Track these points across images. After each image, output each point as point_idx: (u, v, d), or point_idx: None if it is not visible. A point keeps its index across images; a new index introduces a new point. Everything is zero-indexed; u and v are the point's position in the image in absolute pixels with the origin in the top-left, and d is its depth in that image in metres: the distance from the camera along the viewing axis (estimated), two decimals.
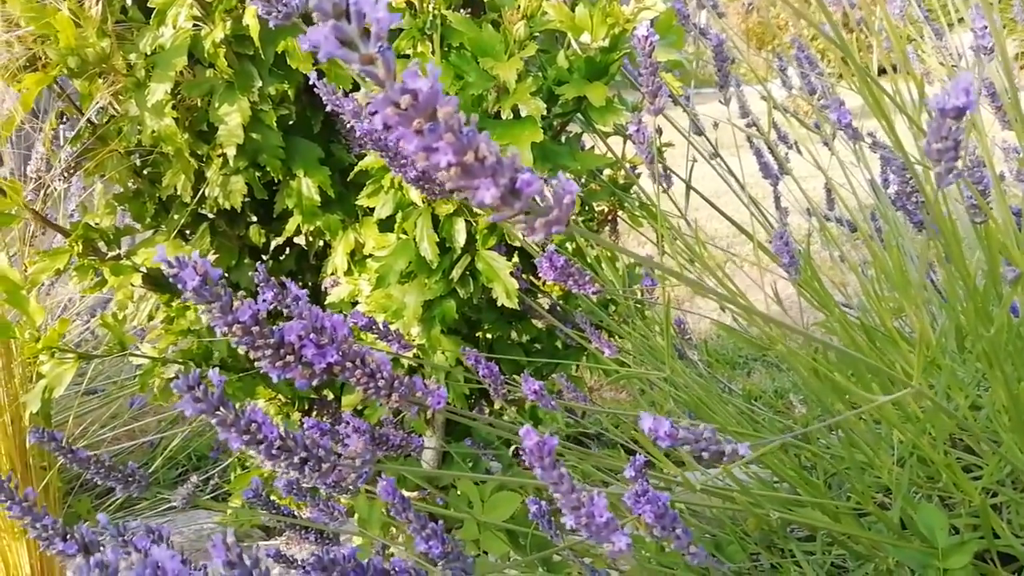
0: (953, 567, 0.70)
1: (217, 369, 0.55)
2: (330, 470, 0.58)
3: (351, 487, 0.69)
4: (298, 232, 1.30)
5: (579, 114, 1.08)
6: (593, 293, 0.80)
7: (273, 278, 0.87)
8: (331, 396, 1.42)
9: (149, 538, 0.71)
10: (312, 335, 0.55)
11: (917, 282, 0.93)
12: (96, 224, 1.24)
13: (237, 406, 0.55)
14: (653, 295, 1.12)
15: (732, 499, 0.83)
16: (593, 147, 1.30)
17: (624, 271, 1.21)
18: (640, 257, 0.43)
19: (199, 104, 1.19)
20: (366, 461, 0.61)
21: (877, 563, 0.82)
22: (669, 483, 0.88)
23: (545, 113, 0.98)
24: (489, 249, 1.12)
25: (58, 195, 1.38)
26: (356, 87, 1.11)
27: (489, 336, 1.31)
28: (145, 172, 1.30)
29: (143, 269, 1.24)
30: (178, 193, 1.22)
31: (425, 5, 0.99)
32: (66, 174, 1.25)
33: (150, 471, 1.84)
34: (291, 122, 1.24)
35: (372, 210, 1.15)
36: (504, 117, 1.01)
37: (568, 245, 1.18)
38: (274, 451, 0.56)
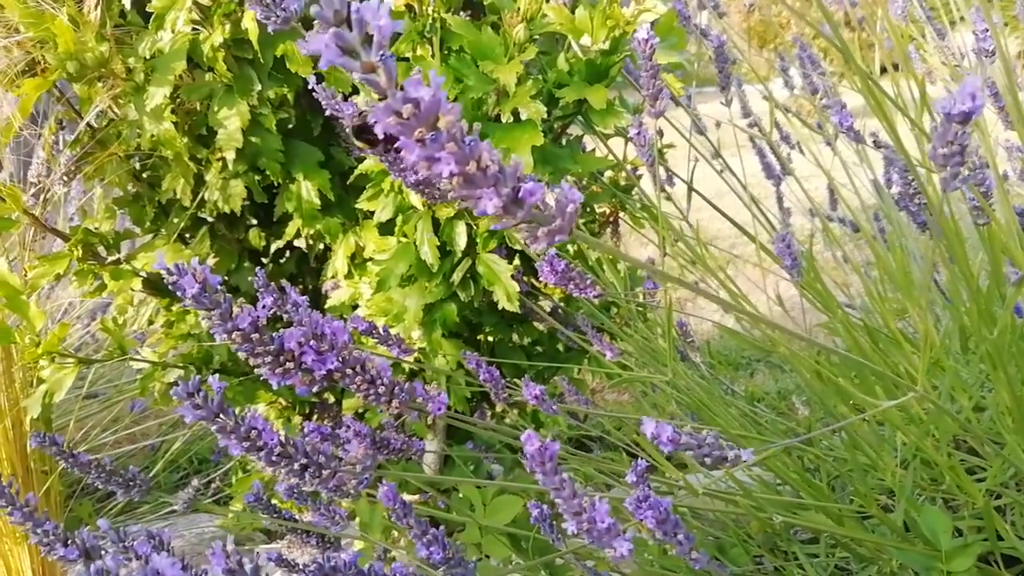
0: (957, 569, 0.70)
1: (217, 374, 0.54)
2: (330, 476, 0.58)
3: (352, 491, 0.68)
4: (298, 235, 1.30)
5: (580, 117, 1.08)
6: (594, 296, 0.80)
7: (273, 283, 0.87)
8: (332, 399, 1.42)
9: (150, 544, 0.71)
10: (312, 342, 0.55)
11: (921, 283, 0.92)
12: (96, 228, 1.24)
13: (237, 411, 0.55)
14: (655, 298, 1.11)
15: (735, 502, 0.82)
16: (594, 149, 1.30)
17: (626, 273, 1.21)
18: (640, 263, 0.42)
19: (198, 108, 1.18)
20: (366, 467, 0.61)
21: (880, 565, 0.82)
22: (672, 487, 0.88)
23: (545, 116, 0.97)
24: (490, 252, 1.12)
25: (58, 199, 1.38)
26: (356, 91, 1.11)
27: (490, 339, 1.31)
28: (145, 176, 1.30)
29: (143, 273, 1.24)
30: (178, 197, 1.22)
31: (425, 8, 0.99)
32: (66, 178, 1.25)
33: (151, 475, 1.84)
34: (291, 126, 1.24)
35: (372, 213, 1.15)
36: (504, 120, 1.00)
37: (569, 248, 1.18)
38: (274, 458, 0.55)
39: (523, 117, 0.99)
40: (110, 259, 1.24)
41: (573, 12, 0.97)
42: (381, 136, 0.30)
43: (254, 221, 1.38)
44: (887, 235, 1.26)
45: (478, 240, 1.12)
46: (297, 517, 0.89)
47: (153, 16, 1.09)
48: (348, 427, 0.76)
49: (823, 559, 0.92)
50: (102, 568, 0.50)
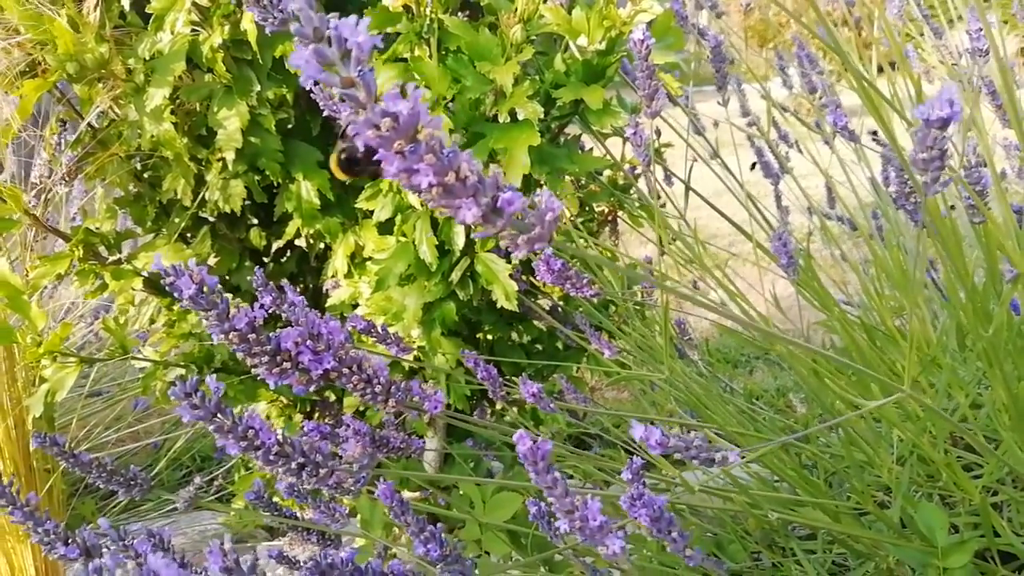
0: (953, 566, 0.70)
1: (218, 373, 0.55)
2: (328, 475, 0.58)
3: (352, 489, 0.69)
4: (298, 235, 1.31)
5: (577, 117, 1.09)
6: (591, 295, 0.80)
7: (273, 282, 0.88)
8: (333, 398, 1.43)
9: (150, 542, 0.71)
10: (308, 341, 0.55)
11: (916, 281, 0.93)
12: (97, 228, 1.24)
13: (236, 411, 0.55)
14: (652, 296, 1.12)
15: (731, 499, 0.83)
16: (592, 149, 1.30)
17: (623, 272, 1.21)
18: (633, 272, 0.43)
19: (198, 108, 1.19)
20: (364, 465, 0.61)
21: (877, 562, 0.82)
22: (668, 484, 0.88)
23: (543, 116, 0.98)
24: (488, 251, 1.12)
25: (59, 200, 1.38)
26: None
27: (489, 338, 1.31)
28: (146, 176, 1.30)
29: (144, 273, 1.25)
30: (178, 197, 1.22)
31: (422, 9, 0.99)
32: (67, 179, 1.26)
33: (154, 473, 1.84)
34: (290, 126, 1.24)
35: (371, 213, 1.15)
36: (502, 120, 1.01)
37: (568, 246, 1.18)
38: (271, 457, 0.56)
39: (520, 117, 1.00)
40: (111, 259, 1.25)
41: (570, 13, 0.98)
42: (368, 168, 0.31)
43: (255, 221, 1.38)
44: (884, 233, 1.27)
45: (476, 239, 1.13)
46: (298, 515, 0.90)
47: (152, 17, 1.09)
48: (348, 426, 0.77)
49: (820, 555, 0.92)
50: (100, 567, 0.50)
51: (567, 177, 1.15)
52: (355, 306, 1.24)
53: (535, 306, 1.20)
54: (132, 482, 0.79)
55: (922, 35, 1.43)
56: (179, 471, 1.98)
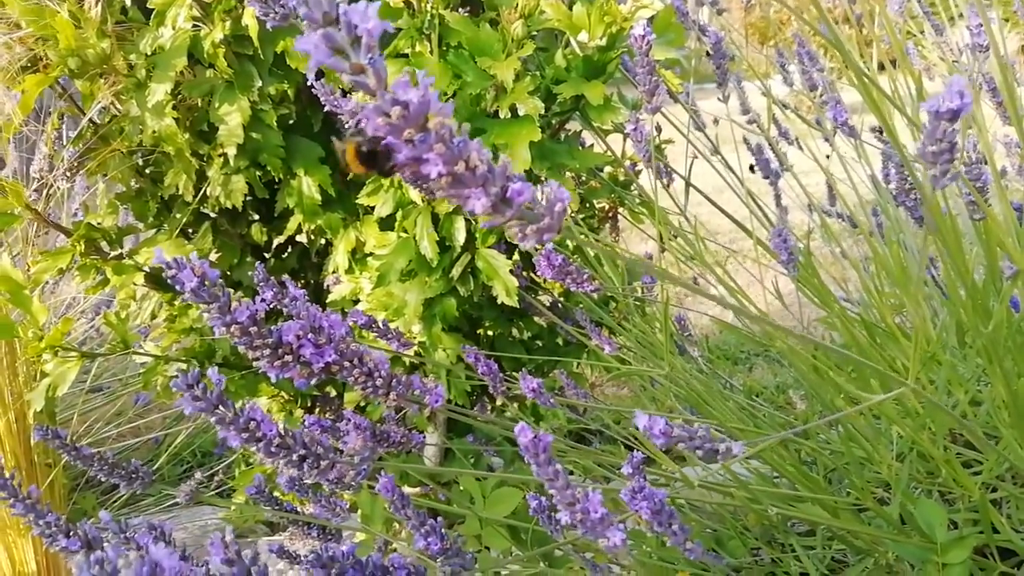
0: (952, 562, 0.70)
1: (218, 367, 0.55)
2: (329, 467, 0.58)
3: (352, 483, 0.69)
4: (299, 231, 1.31)
5: (577, 112, 1.09)
6: (592, 291, 0.80)
7: (273, 277, 0.88)
8: (334, 393, 1.43)
9: (151, 535, 0.72)
10: (310, 335, 0.56)
11: (915, 278, 0.93)
12: (98, 224, 1.25)
13: (238, 404, 0.56)
14: (652, 292, 1.12)
15: (731, 495, 0.83)
16: (592, 145, 1.30)
17: (623, 268, 1.21)
18: (635, 261, 0.43)
19: (199, 104, 1.19)
20: (365, 458, 0.62)
21: (877, 558, 0.82)
22: (668, 479, 0.89)
23: (543, 112, 0.98)
24: (489, 247, 1.12)
25: (61, 195, 1.38)
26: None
27: (490, 333, 1.32)
28: (147, 171, 1.31)
29: (145, 268, 1.25)
30: (180, 192, 1.23)
31: (423, 5, 0.99)
32: (69, 174, 1.26)
33: (154, 468, 1.85)
34: (291, 121, 1.25)
35: (373, 208, 1.15)
36: (502, 116, 1.01)
37: (568, 243, 1.19)
38: (273, 449, 0.56)
39: (521, 113, 1.00)
40: (113, 254, 1.25)
41: (571, 8, 0.98)
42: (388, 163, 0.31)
43: (256, 216, 1.39)
44: (884, 230, 1.27)
45: (477, 235, 1.13)
46: (299, 509, 0.90)
47: (154, 13, 1.09)
48: (348, 420, 0.77)
49: (820, 551, 0.92)
50: (102, 558, 0.50)
51: (568, 173, 1.15)
52: (356, 302, 1.24)
53: (535, 302, 1.20)
54: (133, 475, 0.80)
55: (923, 32, 1.43)
56: (179, 466, 1.98)
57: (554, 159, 1.05)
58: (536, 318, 1.32)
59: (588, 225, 1.35)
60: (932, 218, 0.67)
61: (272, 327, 0.55)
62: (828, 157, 1.19)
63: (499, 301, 1.11)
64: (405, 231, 1.13)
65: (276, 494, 0.88)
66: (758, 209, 1.13)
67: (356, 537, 1.24)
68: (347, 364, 0.58)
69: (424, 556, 0.69)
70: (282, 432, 0.57)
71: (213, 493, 1.73)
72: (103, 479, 0.78)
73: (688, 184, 1.05)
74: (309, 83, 0.87)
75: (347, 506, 0.88)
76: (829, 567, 0.93)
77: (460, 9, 1.05)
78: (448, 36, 1.00)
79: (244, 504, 1.19)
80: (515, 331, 1.34)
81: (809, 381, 1.00)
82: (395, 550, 1.10)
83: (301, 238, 1.42)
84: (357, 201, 1.17)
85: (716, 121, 1.28)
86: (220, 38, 1.08)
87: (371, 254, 1.21)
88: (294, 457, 0.58)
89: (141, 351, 1.25)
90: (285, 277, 0.92)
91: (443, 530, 0.68)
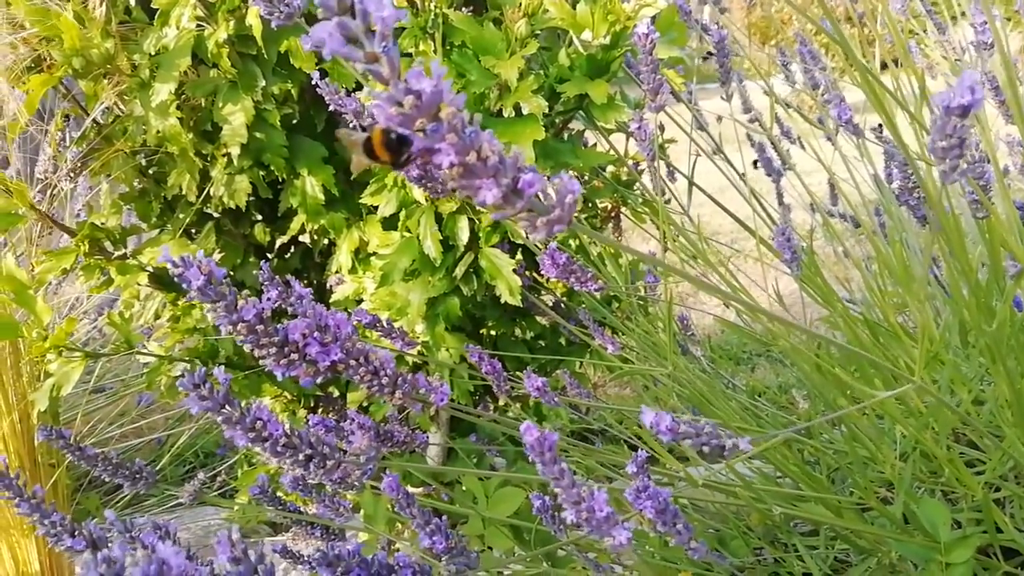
0: (955, 561, 0.70)
1: (223, 367, 0.55)
2: (335, 467, 0.59)
3: (356, 483, 0.69)
4: (303, 231, 1.31)
5: (581, 111, 1.09)
6: (595, 290, 0.80)
7: (278, 276, 0.88)
8: (337, 393, 1.43)
9: (156, 534, 0.72)
10: (316, 333, 0.56)
11: (919, 277, 0.93)
12: (102, 224, 1.25)
13: (243, 404, 0.56)
14: (655, 291, 1.12)
15: (735, 494, 0.83)
16: (595, 144, 1.30)
17: (627, 268, 1.21)
18: (642, 255, 0.43)
19: (203, 104, 1.19)
20: (370, 458, 0.62)
21: (880, 557, 0.82)
22: (672, 479, 0.89)
23: (547, 111, 0.98)
24: (492, 247, 1.12)
25: (65, 196, 1.39)
26: (359, 86, 1.12)
27: (493, 333, 1.32)
28: (151, 172, 1.31)
29: (149, 268, 1.25)
30: (183, 192, 1.23)
31: (427, 4, 0.99)
32: (72, 174, 1.26)
33: (157, 468, 1.85)
34: (295, 121, 1.25)
35: (376, 208, 1.15)
36: (506, 115, 1.01)
37: (571, 242, 1.19)
38: (279, 448, 0.56)
39: (525, 112, 1.00)
40: (116, 254, 1.25)
41: (574, 7, 0.98)
42: (402, 156, 0.30)
43: (259, 216, 1.39)
44: (887, 229, 1.27)
45: (480, 234, 1.13)
46: (302, 509, 0.90)
47: (158, 13, 1.09)
48: (352, 420, 0.77)
49: (823, 551, 0.92)
50: (108, 557, 0.50)
51: (571, 172, 1.15)
52: (359, 302, 1.24)
53: (539, 302, 1.20)
54: (137, 476, 0.80)
55: (925, 31, 1.43)
56: (182, 467, 1.98)
57: (557, 158, 1.05)
58: (539, 318, 1.32)
59: (591, 225, 1.35)
60: (936, 217, 0.67)
61: (278, 326, 0.55)
62: (833, 153, 1.19)
63: (502, 301, 1.11)
64: (408, 231, 1.13)
65: (279, 494, 0.88)
66: (760, 208, 1.13)
67: (359, 537, 1.24)
68: (353, 362, 0.58)
69: (428, 555, 0.69)
70: (288, 432, 0.57)
71: (216, 493, 1.73)
72: (107, 479, 0.78)
73: (691, 183, 1.05)
74: (313, 83, 0.87)
75: (350, 506, 0.88)
76: (832, 567, 0.93)
77: (463, 8, 1.05)
78: (452, 35, 1.00)
79: (247, 504, 1.19)
80: (518, 331, 1.34)
81: (812, 380, 1.00)
82: (398, 550, 1.10)
83: (304, 238, 1.42)
84: (360, 201, 1.17)
85: (719, 120, 1.28)
86: (224, 38, 1.08)
87: (374, 254, 1.21)
88: (300, 457, 0.58)
89: (145, 351, 1.25)
90: (289, 277, 0.92)
91: (447, 529, 0.68)
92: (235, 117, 1.12)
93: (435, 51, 1.00)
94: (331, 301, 1.27)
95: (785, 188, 1.33)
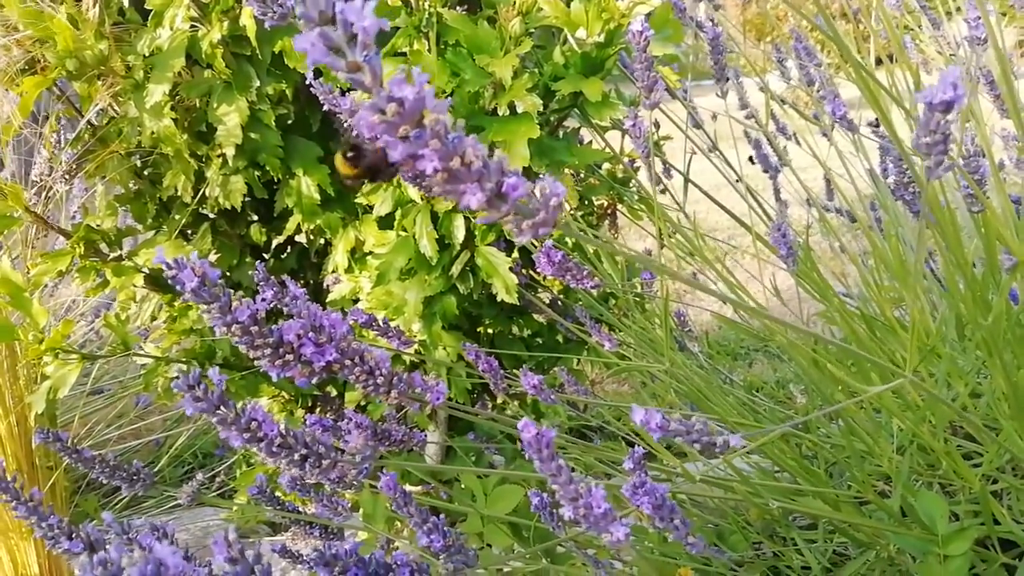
0: (953, 553, 0.70)
1: (219, 368, 0.55)
2: (330, 466, 0.59)
3: (354, 482, 0.69)
4: (299, 231, 1.31)
5: (576, 109, 1.09)
6: (591, 287, 0.80)
7: (273, 277, 0.88)
8: (334, 393, 1.43)
9: (154, 535, 0.72)
10: (311, 333, 0.56)
11: (914, 270, 0.93)
12: (97, 225, 1.25)
13: (238, 405, 0.56)
14: (652, 288, 1.12)
15: (732, 489, 0.83)
16: (591, 142, 1.30)
17: (623, 265, 1.21)
18: (636, 256, 0.43)
19: (198, 105, 1.19)
20: (366, 457, 0.62)
21: (878, 550, 0.83)
22: (669, 474, 0.89)
23: (542, 109, 0.98)
24: (488, 245, 1.12)
25: (60, 198, 1.38)
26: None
27: (490, 331, 1.32)
28: (146, 173, 1.31)
29: (145, 270, 1.25)
30: (179, 193, 1.23)
31: (421, 3, 0.99)
32: (67, 176, 1.26)
33: (156, 470, 1.85)
34: (290, 121, 1.25)
35: (372, 207, 1.15)
36: (501, 113, 1.01)
37: (568, 240, 1.19)
38: (274, 448, 0.56)
39: (520, 110, 1.00)
40: (112, 255, 1.25)
41: (568, 5, 0.98)
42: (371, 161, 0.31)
43: (255, 217, 1.39)
44: (883, 224, 1.27)
45: (476, 233, 1.13)
46: (301, 509, 0.90)
47: (152, 13, 1.09)
48: (349, 419, 0.77)
49: (821, 544, 0.92)
50: (105, 559, 0.50)
51: (567, 170, 1.15)
52: (356, 301, 1.24)
53: (535, 300, 1.21)
54: (135, 477, 0.80)
55: (920, 27, 1.43)
56: (181, 468, 1.98)
57: (553, 156, 1.05)
58: (536, 316, 1.32)
59: (587, 222, 1.35)
60: (929, 210, 0.67)
61: (273, 326, 0.55)
62: (829, 149, 1.19)
63: (499, 299, 1.11)
64: (404, 230, 1.13)
65: (278, 494, 0.88)
66: (757, 204, 1.13)
67: (358, 536, 1.24)
68: (348, 362, 0.58)
69: (427, 554, 0.69)
70: (283, 432, 0.57)
71: (215, 494, 1.73)
72: (104, 481, 0.78)
73: (687, 180, 1.05)
74: (308, 82, 0.87)
75: (349, 505, 0.88)
76: (831, 560, 0.93)
77: (458, 7, 1.05)
78: (446, 34, 1.00)
79: (246, 505, 1.19)
80: (515, 329, 1.34)
81: (809, 375, 1.00)
82: (397, 548, 1.10)
83: (300, 238, 1.42)
84: (356, 200, 1.17)
85: (714, 117, 1.28)
86: (218, 38, 1.08)
87: (370, 253, 1.21)
88: (296, 457, 0.58)
89: (141, 353, 1.25)
90: (285, 277, 0.92)
91: (446, 527, 0.68)
92: (230, 118, 1.12)
93: (430, 50, 1.00)
94: (327, 301, 1.27)
95: (781, 184, 1.33)
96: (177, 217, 1.29)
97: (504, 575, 1.03)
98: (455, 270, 1.13)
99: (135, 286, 1.25)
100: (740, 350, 2.36)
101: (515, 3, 0.97)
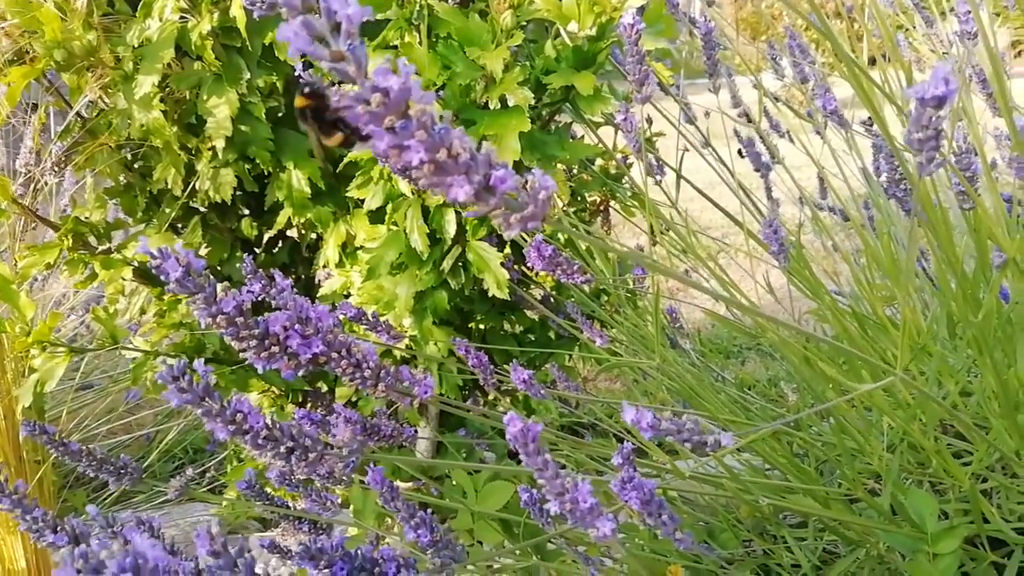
0: (943, 551, 0.70)
1: (208, 362, 0.55)
2: (317, 459, 0.58)
3: (343, 477, 0.69)
4: (290, 225, 1.30)
5: (567, 104, 1.08)
6: (582, 282, 0.80)
7: (262, 270, 0.87)
8: (325, 388, 1.42)
9: (139, 529, 0.71)
10: (297, 325, 0.55)
11: (905, 268, 0.93)
12: (86, 218, 1.24)
13: (225, 398, 0.55)
14: (644, 284, 1.12)
15: (723, 486, 0.83)
16: (583, 137, 1.30)
17: (615, 260, 1.21)
18: (627, 252, 0.43)
19: (187, 97, 1.18)
20: (354, 450, 0.61)
21: (868, 548, 0.82)
22: (660, 471, 0.88)
23: (533, 103, 0.98)
24: (480, 239, 1.12)
25: (50, 190, 1.37)
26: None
27: (482, 327, 1.31)
28: (136, 166, 1.30)
29: (134, 263, 1.24)
30: (169, 187, 1.22)
31: None
32: (56, 168, 1.25)
33: (145, 464, 1.84)
34: (280, 114, 1.24)
35: (363, 202, 1.15)
36: (492, 107, 1.00)
37: (560, 236, 1.18)
38: (260, 441, 0.56)
39: (511, 104, 1.00)
40: (101, 248, 1.24)
41: None
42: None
43: (246, 211, 1.38)
44: (876, 223, 1.27)
45: (468, 227, 1.12)
46: (291, 505, 0.90)
47: (141, 4, 1.08)
48: (338, 414, 0.77)
49: (811, 542, 0.92)
50: (86, 552, 0.50)
51: (559, 165, 1.15)
52: (347, 296, 1.23)
53: (527, 296, 1.20)
54: (122, 471, 0.79)
55: (914, 26, 1.43)
56: (171, 463, 1.97)
57: (544, 150, 1.05)
58: (528, 312, 1.32)
59: (579, 219, 1.34)
60: (920, 207, 0.67)
61: (259, 318, 0.55)
62: (822, 147, 1.19)
63: (490, 294, 1.11)
64: (395, 224, 1.12)
65: (267, 490, 0.88)
66: (749, 202, 1.13)
67: (348, 532, 1.24)
68: (335, 355, 0.57)
69: (416, 549, 0.69)
70: (269, 424, 0.57)
71: (205, 489, 1.72)
72: (91, 475, 0.77)
73: (679, 176, 1.05)
74: (297, 74, 0.86)
75: (339, 501, 0.87)
76: (821, 558, 0.93)
77: (449, 0, 1.04)
78: (437, 27, 1.00)
79: (236, 500, 1.19)
80: (507, 325, 1.33)
81: (801, 373, 1.00)
82: (387, 544, 1.10)
83: (292, 233, 1.41)
84: (347, 194, 1.16)
85: (707, 114, 1.28)
86: (208, 30, 1.07)
87: (361, 248, 1.20)
88: (282, 449, 0.57)
89: (130, 346, 1.24)
90: (275, 271, 0.91)
91: (433, 522, 0.68)
92: (220, 110, 1.11)
93: (420, 43, 0.99)
94: (318, 296, 1.26)
95: (774, 182, 1.33)
96: (167, 210, 1.28)
97: (494, 572, 1.03)
98: (446, 265, 1.13)
99: (124, 279, 1.24)
100: (732, 348, 2.36)
101: None
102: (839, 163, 1.27)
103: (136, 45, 1.08)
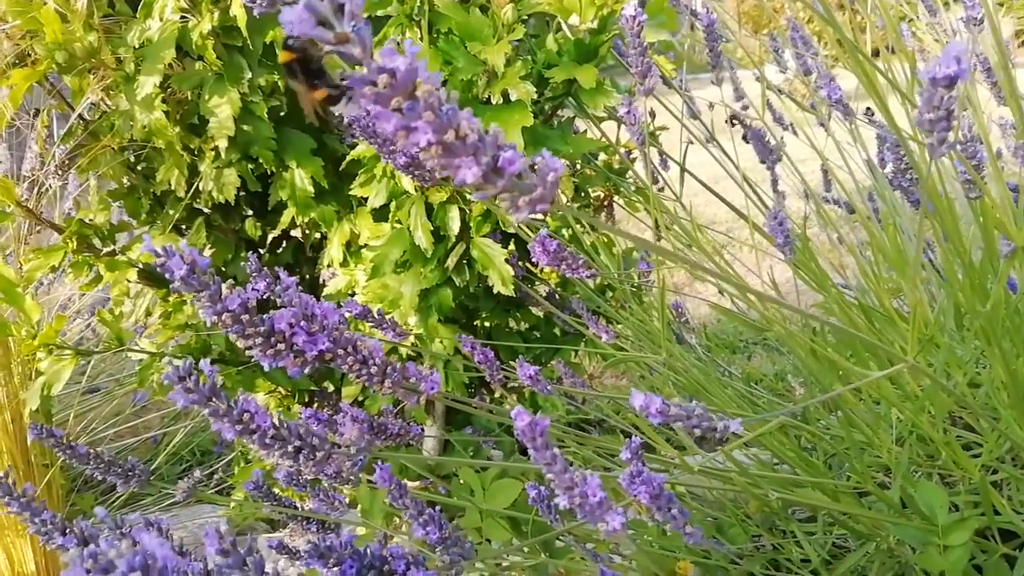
0: (953, 544, 0.70)
1: (215, 363, 0.54)
2: (324, 458, 0.58)
3: (351, 477, 0.68)
4: (294, 224, 1.30)
5: (570, 98, 1.08)
6: (587, 276, 0.80)
7: (266, 269, 0.87)
8: (332, 388, 1.42)
9: (148, 531, 0.71)
10: (303, 322, 0.55)
11: (913, 259, 0.92)
12: (90, 220, 1.24)
13: (231, 398, 0.55)
14: (649, 279, 1.11)
15: (731, 480, 0.83)
16: (586, 131, 1.29)
17: (620, 256, 1.21)
18: (636, 239, 0.42)
19: (189, 97, 1.18)
20: (361, 449, 0.61)
21: (878, 542, 0.82)
22: (668, 466, 0.88)
23: (535, 97, 0.97)
24: (484, 236, 1.12)
25: (54, 193, 1.38)
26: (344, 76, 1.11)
27: (487, 324, 1.31)
28: (139, 167, 1.30)
29: (139, 264, 1.24)
30: (172, 188, 1.22)
31: None
32: (60, 171, 1.25)
33: (153, 467, 1.84)
34: (282, 113, 1.24)
35: (366, 200, 1.15)
36: (494, 102, 1.00)
37: (564, 232, 1.18)
38: (267, 440, 0.55)
39: (513, 98, 0.99)
40: (105, 250, 1.24)
41: None
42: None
43: (249, 211, 1.38)
44: (881, 215, 1.26)
45: (472, 224, 1.12)
46: (299, 505, 0.90)
47: (141, 4, 1.08)
48: (345, 413, 0.76)
49: (821, 536, 0.92)
50: (95, 552, 0.50)
51: (562, 160, 1.14)
52: (352, 295, 1.23)
53: (532, 292, 1.20)
54: (130, 474, 0.79)
55: (918, 16, 1.42)
56: (178, 465, 1.97)
57: (547, 145, 1.05)
58: (533, 308, 1.31)
59: (583, 214, 1.34)
60: (927, 198, 0.67)
61: (264, 315, 0.54)
62: (826, 139, 1.19)
63: (495, 291, 1.11)
64: (399, 222, 1.12)
65: (275, 490, 0.87)
66: (754, 195, 1.12)
67: (357, 532, 1.23)
68: (341, 352, 0.57)
69: (424, 547, 0.69)
70: (276, 424, 0.57)
71: (213, 491, 1.72)
72: (99, 478, 0.77)
73: (683, 169, 1.05)
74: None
75: (346, 500, 0.87)
76: (830, 552, 0.93)
77: None
78: (438, 22, 0.99)
79: (243, 501, 1.18)
80: (512, 322, 1.33)
81: (808, 366, 0.99)
82: (396, 543, 1.10)
83: (296, 232, 1.41)
84: (350, 193, 1.16)
85: (711, 106, 1.27)
86: (208, 29, 1.07)
87: (366, 246, 1.20)
88: (289, 449, 0.57)
89: (136, 348, 1.24)
90: (279, 269, 0.91)
91: (442, 520, 0.67)
92: (222, 110, 1.11)
93: (421, 38, 0.99)
94: (323, 295, 1.26)
95: (780, 176, 1.32)
96: (171, 212, 1.28)
97: (503, 569, 1.03)
98: (451, 262, 1.12)
99: (129, 281, 1.24)
100: (739, 343, 2.36)
101: None
102: (843, 155, 1.26)
103: (137, 46, 1.08)
